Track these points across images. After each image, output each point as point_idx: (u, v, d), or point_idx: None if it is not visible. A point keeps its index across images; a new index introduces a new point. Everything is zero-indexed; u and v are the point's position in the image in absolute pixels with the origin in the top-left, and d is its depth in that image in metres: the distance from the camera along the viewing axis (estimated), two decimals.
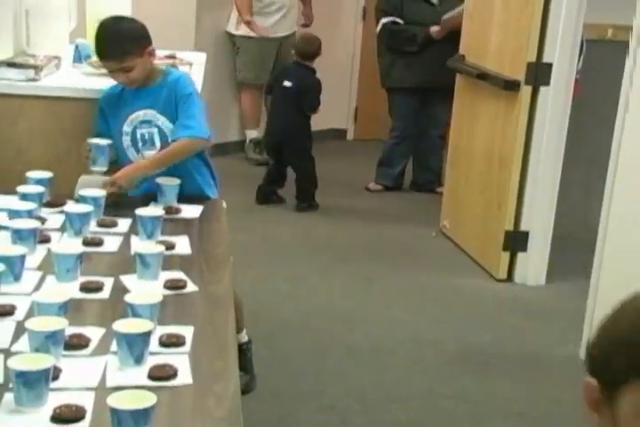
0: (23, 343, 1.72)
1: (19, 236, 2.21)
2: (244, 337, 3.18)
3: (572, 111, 4.19)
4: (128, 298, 1.85)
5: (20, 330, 1.77)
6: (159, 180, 2.70)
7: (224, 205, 2.84)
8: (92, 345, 1.76)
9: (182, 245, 2.37)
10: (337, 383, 3.28)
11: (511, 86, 4.19)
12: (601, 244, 3.54)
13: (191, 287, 2.10)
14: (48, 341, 1.65)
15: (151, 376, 1.64)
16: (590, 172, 4.46)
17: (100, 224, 2.47)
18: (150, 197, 2.69)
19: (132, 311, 1.82)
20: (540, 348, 3.68)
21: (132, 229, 2.44)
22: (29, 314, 1.84)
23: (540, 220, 4.30)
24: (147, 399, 1.45)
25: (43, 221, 2.41)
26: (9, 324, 1.83)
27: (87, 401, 1.54)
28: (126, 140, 2.80)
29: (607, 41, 4.86)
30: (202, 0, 6.12)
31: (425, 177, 5.82)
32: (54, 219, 2.48)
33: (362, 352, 3.55)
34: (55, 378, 1.59)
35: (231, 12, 6.31)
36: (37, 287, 2.04)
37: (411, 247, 4.84)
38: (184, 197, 2.70)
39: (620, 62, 3.48)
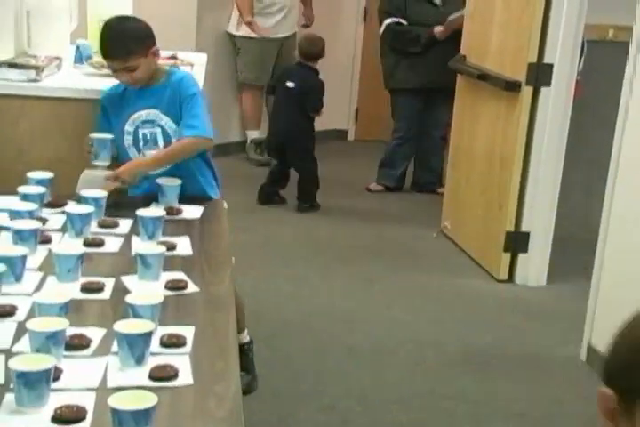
0: (24, 344, 1.72)
1: (20, 236, 2.21)
2: (246, 337, 3.18)
3: (573, 112, 4.19)
4: (129, 299, 1.85)
5: (20, 330, 1.77)
6: (160, 180, 2.70)
7: (225, 205, 2.85)
8: (93, 346, 1.76)
9: (183, 245, 2.37)
10: (338, 384, 3.28)
11: (512, 87, 4.19)
12: (602, 244, 3.54)
13: (192, 288, 2.10)
14: (49, 341, 1.65)
15: (152, 377, 1.64)
16: (591, 172, 4.46)
17: (101, 225, 2.47)
18: (151, 197, 2.70)
19: (133, 312, 1.82)
20: (541, 348, 3.68)
21: (133, 230, 2.44)
22: (30, 315, 1.84)
23: (540, 220, 4.30)
24: (147, 400, 1.45)
25: (44, 221, 2.41)
26: (10, 324, 1.83)
27: (88, 402, 1.54)
28: (128, 140, 2.80)
29: (608, 42, 4.85)
30: (203, 1, 6.13)
31: (426, 178, 5.83)
32: (55, 219, 2.48)
33: (362, 353, 3.55)
34: (56, 379, 1.59)
35: (232, 12, 6.32)
36: (38, 288, 2.04)
37: (411, 248, 4.84)
38: (186, 198, 2.70)
39: (621, 63, 3.48)
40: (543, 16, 4.06)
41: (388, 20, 5.54)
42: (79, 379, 1.63)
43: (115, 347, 1.72)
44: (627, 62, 3.42)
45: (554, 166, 4.23)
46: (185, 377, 1.66)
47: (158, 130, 2.77)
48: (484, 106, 4.59)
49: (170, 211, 2.58)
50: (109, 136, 2.76)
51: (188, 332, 1.83)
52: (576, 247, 4.38)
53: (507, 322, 3.92)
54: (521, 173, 4.25)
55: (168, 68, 2.91)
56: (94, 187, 2.65)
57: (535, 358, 3.61)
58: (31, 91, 2.96)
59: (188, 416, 1.56)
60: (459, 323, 3.88)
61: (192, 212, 2.65)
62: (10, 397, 1.54)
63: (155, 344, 1.75)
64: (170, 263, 2.19)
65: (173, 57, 3.48)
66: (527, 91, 4.15)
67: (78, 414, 1.50)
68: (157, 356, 1.72)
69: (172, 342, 1.78)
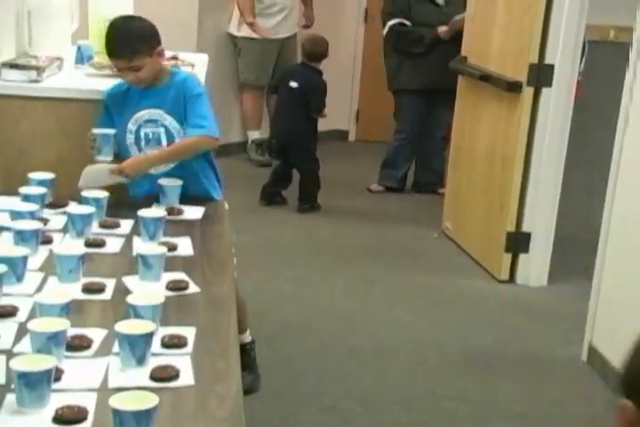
0: (25, 344, 1.72)
1: (21, 237, 2.22)
2: (248, 337, 3.19)
3: (574, 112, 4.19)
4: (130, 299, 1.85)
5: (22, 331, 1.77)
6: (161, 181, 2.70)
7: (226, 206, 2.85)
8: (94, 346, 1.76)
9: (184, 246, 2.37)
10: (338, 384, 3.28)
11: (513, 88, 4.19)
12: (603, 245, 3.54)
13: (193, 288, 2.10)
14: (50, 342, 1.65)
15: (153, 377, 1.64)
16: (592, 173, 4.46)
17: (103, 225, 2.47)
18: (152, 198, 2.70)
19: (134, 312, 1.82)
20: (542, 349, 3.68)
21: (135, 231, 2.44)
22: (31, 315, 1.84)
23: (541, 221, 4.30)
24: (149, 400, 1.46)
25: (45, 222, 2.41)
26: (11, 325, 1.83)
27: (89, 402, 1.54)
28: (130, 138, 2.80)
29: (609, 42, 4.86)
30: (204, 1, 6.13)
31: (427, 178, 5.83)
32: (56, 220, 2.49)
33: (363, 353, 3.55)
34: (57, 379, 1.59)
35: (232, 13, 6.32)
36: (39, 288, 2.04)
37: (412, 248, 4.84)
38: (189, 199, 2.70)
39: (622, 64, 3.48)
40: (544, 17, 4.06)
41: (392, 22, 5.54)
42: (80, 379, 1.63)
43: (116, 347, 1.72)
44: (627, 69, 3.42)
45: (555, 167, 4.23)
46: (186, 378, 1.66)
47: (162, 130, 2.77)
48: (486, 106, 4.59)
49: (171, 211, 2.58)
50: (112, 131, 2.77)
51: (189, 332, 1.83)
52: (577, 248, 4.38)
53: (508, 322, 3.92)
54: (522, 173, 4.25)
55: (171, 68, 2.91)
56: (97, 180, 2.66)
57: (536, 358, 3.60)
58: (32, 91, 2.96)
59: (190, 417, 1.57)
60: (460, 323, 3.88)
61: (193, 212, 2.65)
62: (11, 397, 1.54)
63: (156, 345, 1.75)
64: (171, 264, 2.19)
65: (174, 57, 3.48)
66: (528, 91, 4.15)
67: (79, 414, 1.50)
68: (158, 356, 1.72)
69: (173, 343, 1.78)
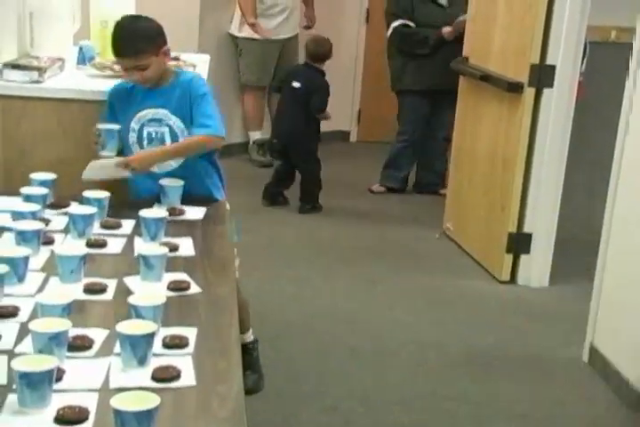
0: (27, 345, 1.72)
1: (22, 237, 2.22)
2: (250, 337, 3.20)
3: (576, 113, 4.19)
4: (131, 299, 1.85)
5: (23, 331, 1.78)
6: (163, 181, 2.70)
7: (227, 206, 2.85)
8: (96, 346, 1.76)
9: (186, 246, 2.37)
10: (340, 385, 3.28)
11: (514, 88, 4.19)
12: (604, 246, 3.54)
13: (195, 289, 2.10)
14: (52, 342, 1.65)
15: (154, 378, 1.64)
16: (594, 174, 4.46)
17: (104, 226, 2.47)
18: (154, 198, 2.70)
19: (136, 313, 1.82)
20: (543, 350, 3.68)
21: (136, 231, 2.44)
22: (33, 315, 1.85)
23: (543, 222, 4.30)
24: (150, 401, 1.46)
25: (46, 222, 2.41)
26: (13, 325, 1.83)
27: (91, 402, 1.54)
28: (132, 137, 2.80)
29: (610, 43, 4.86)
30: (205, 2, 6.13)
31: (429, 179, 5.83)
32: (58, 220, 2.49)
33: (365, 354, 3.56)
34: (59, 379, 1.59)
35: (234, 13, 6.32)
36: (41, 289, 2.04)
37: (414, 249, 4.84)
38: (192, 200, 2.71)
39: (624, 64, 3.48)
40: (546, 17, 4.06)
41: (396, 23, 5.54)
42: (82, 380, 1.63)
43: (117, 348, 1.72)
44: (627, 76, 3.42)
45: (556, 167, 4.23)
46: (187, 378, 1.66)
47: (166, 129, 2.77)
48: (487, 107, 4.59)
49: (172, 212, 2.58)
50: (117, 126, 2.77)
51: (190, 333, 1.84)
52: (578, 248, 4.38)
53: (509, 323, 3.92)
54: (523, 174, 4.25)
55: (176, 68, 2.92)
56: (101, 173, 2.66)
57: (537, 359, 3.60)
58: (34, 92, 2.97)
59: (191, 417, 1.57)
60: (461, 324, 3.88)
61: (194, 213, 2.65)
62: (12, 397, 1.54)
63: (157, 345, 1.75)
64: (172, 264, 2.19)
65: (176, 58, 3.48)
66: (529, 92, 4.15)
67: (81, 414, 1.50)
68: (160, 357, 1.72)
69: (175, 343, 1.78)
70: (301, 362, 3.45)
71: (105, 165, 2.71)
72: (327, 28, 6.29)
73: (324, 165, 5.41)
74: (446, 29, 5.39)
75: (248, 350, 3.18)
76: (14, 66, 3.01)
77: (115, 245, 2.35)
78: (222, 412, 1.57)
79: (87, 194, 2.52)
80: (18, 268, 2.04)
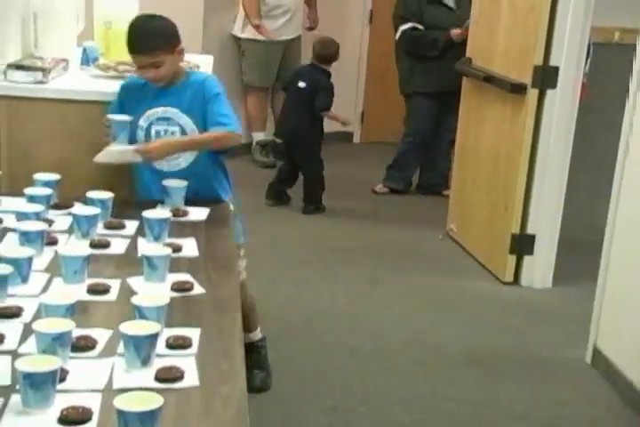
0: (30, 345, 1.72)
1: (26, 238, 2.22)
2: (258, 335, 3.21)
3: (579, 114, 4.19)
4: (135, 300, 1.85)
5: (27, 332, 1.78)
6: (166, 182, 2.70)
7: (231, 207, 2.85)
8: (99, 347, 1.76)
9: (189, 247, 2.37)
10: (340, 385, 3.29)
11: (518, 89, 4.19)
12: (607, 246, 3.54)
13: (198, 289, 2.10)
14: (55, 342, 1.66)
15: (158, 378, 1.64)
16: (597, 174, 4.46)
17: (107, 226, 2.48)
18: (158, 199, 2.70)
19: (139, 313, 1.82)
20: (546, 350, 3.68)
21: (139, 232, 2.44)
22: (37, 316, 1.85)
23: (546, 222, 4.29)
24: (153, 401, 1.46)
25: (50, 223, 2.41)
26: (16, 325, 1.83)
27: (94, 403, 1.54)
28: (140, 135, 2.80)
29: (614, 44, 4.85)
30: (208, 3, 6.13)
31: (432, 180, 5.83)
32: (62, 221, 2.49)
33: (365, 354, 3.56)
34: (62, 380, 1.59)
35: (237, 14, 6.33)
36: (45, 289, 2.04)
37: (417, 250, 4.84)
38: (198, 201, 2.71)
39: (627, 65, 3.48)
40: (549, 18, 4.06)
41: (405, 26, 5.53)
42: (85, 380, 1.63)
43: (121, 348, 1.72)
44: (631, 77, 3.42)
45: (559, 168, 4.23)
46: (191, 379, 1.66)
47: (176, 128, 2.77)
48: (490, 108, 4.59)
49: (176, 212, 2.58)
50: (128, 118, 2.76)
51: (193, 333, 1.84)
52: (582, 249, 4.38)
53: (511, 324, 3.92)
54: (527, 175, 4.25)
55: (187, 69, 2.93)
56: (116, 159, 2.66)
57: (539, 360, 3.60)
58: (37, 93, 2.97)
59: (194, 418, 1.57)
60: (463, 325, 3.88)
61: (198, 213, 2.65)
62: (16, 398, 1.54)
63: (160, 346, 1.75)
64: (176, 265, 2.19)
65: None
66: (533, 93, 4.15)
67: (84, 415, 1.50)
68: (163, 357, 1.72)
69: (178, 344, 1.78)
70: (302, 362, 3.45)
71: (122, 150, 2.70)
72: (330, 30, 6.28)
73: (328, 165, 5.41)
74: (455, 32, 5.37)
75: (256, 349, 3.20)
76: (18, 66, 3.01)
77: (118, 246, 2.35)
78: (226, 413, 1.57)
79: (91, 195, 2.53)
80: (22, 268, 2.04)
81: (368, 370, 3.43)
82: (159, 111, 2.78)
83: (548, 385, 3.38)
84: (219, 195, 2.86)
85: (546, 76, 4.12)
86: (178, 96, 2.78)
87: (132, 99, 2.83)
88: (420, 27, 5.51)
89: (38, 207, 2.42)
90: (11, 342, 1.76)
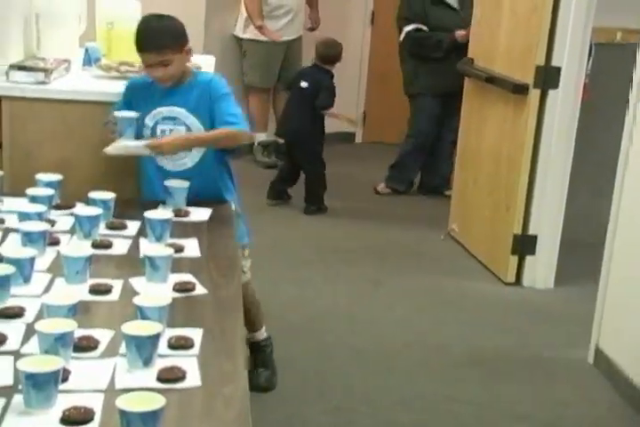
0: (33, 345, 1.72)
1: (28, 238, 2.22)
2: (263, 334, 3.23)
3: (581, 114, 4.18)
4: (137, 300, 1.85)
5: (29, 332, 1.78)
6: (168, 182, 2.70)
7: (233, 207, 2.85)
8: (101, 347, 1.76)
9: (191, 247, 2.37)
10: (342, 385, 3.29)
11: (520, 90, 4.19)
12: (609, 247, 3.54)
13: (200, 290, 2.10)
14: (57, 343, 1.66)
15: (160, 378, 1.64)
16: (599, 175, 4.46)
17: (110, 227, 2.48)
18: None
19: (141, 314, 1.82)
20: (548, 351, 3.68)
21: (141, 232, 2.44)
22: (39, 316, 1.85)
23: (548, 223, 4.29)
24: (156, 402, 1.46)
25: (52, 223, 2.42)
26: (18, 326, 1.84)
27: (96, 403, 1.54)
28: (146, 133, 2.80)
29: (616, 44, 4.85)
30: (210, 4, 6.13)
31: (434, 181, 5.82)
32: (64, 221, 2.49)
33: (367, 354, 3.56)
34: (64, 380, 1.59)
35: (238, 15, 6.33)
36: (47, 289, 2.04)
37: (419, 250, 4.84)
38: (202, 201, 2.71)
39: (629, 66, 3.48)
40: (551, 19, 4.06)
41: (408, 27, 5.53)
42: (87, 380, 1.63)
43: (123, 349, 1.72)
44: (633, 77, 3.42)
45: (561, 168, 4.23)
46: (193, 379, 1.66)
47: (182, 128, 2.77)
48: (492, 109, 4.59)
49: (178, 213, 2.58)
50: (135, 114, 2.76)
51: (195, 334, 1.84)
52: (584, 250, 4.37)
53: (513, 325, 3.92)
54: (528, 175, 4.25)
55: (194, 69, 2.93)
56: (125, 151, 2.67)
57: (542, 360, 3.60)
58: (40, 93, 2.97)
59: (196, 418, 1.57)
60: (465, 325, 3.88)
61: (200, 214, 2.65)
62: (18, 398, 1.54)
63: (162, 346, 1.75)
64: (178, 265, 2.20)
65: None
66: (535, 93, 4.15)
67: (86, 415, 1.50)
68: (165, 358, 1.73)
69: (180, 344, 1.78)
70: (304, 362, 3.45)
71: (133, 144, 2.71)
72: (332, 30, 6.28)
73: (329, 166, 5.41)
74: (459, 33, 5.36)
75: (261, 348, 3.21)
76: (20, 67, 3.02)
77: (120, 246, 2.35)
78: (228, 413, 1.57)
79: (93, 195, 2.53)
80: (24, 269, 2.05)
81: (370, 370, 3.43)
82: (165, 111, 2.78)
83: (550, 385, 3.38)
84: (223, 195, 2.86)
85: (548, 77, 4.12)
86: (184, 96, 2.78)
87: (139, 97, 2.83)
88: (425, 28, 5.50)
89: (40, 208, 2.42)
90: (13, 343, 1.76)
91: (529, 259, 4.35)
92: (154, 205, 2.57)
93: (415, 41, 5.54)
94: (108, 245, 2.34)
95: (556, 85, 4.13)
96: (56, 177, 2.66)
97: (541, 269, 4.35)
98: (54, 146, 2.97)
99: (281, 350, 3.45)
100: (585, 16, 4.05)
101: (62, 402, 1.53)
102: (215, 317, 2.00)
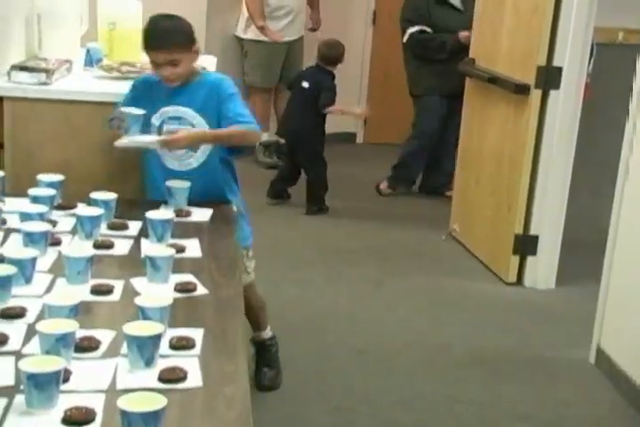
0: (34, 346, 1.73)
1: (30, 238, 2.22)
2: (268, 333, 3.23)
3: (583, 114, 4.18)
4: (138, 301, 1.85)
5: (30, 332, 1.78)
6: (169, 183, 2.70)
7: (234, 208, 2.85)
8: (103, 348, 1.77)
9: (192, 248, 2.37)
10: (343, 385, 3.29)
11: (521, 90, 4.19)
12: (611, 247, 3.54)
13: (201, 290, 2.10)
14: (59, 343, 1.66)
15: (161, 379, 1.65)
16: (600, 175, 4.46)
17: (111, 227, 2.48)
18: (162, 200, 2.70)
19: (143, 314, 1.83)
20: (549, 351, 3.68)
21: (143, 232, 2.44)
22: (40, 316, 1.85)
23: (549, 223, 4.29)
24: (157, 402, 1.46)
25: (54, 223, 2.42)
26: (20, 326, 1.84)
27: (97, 403, 1.55)
28: (152, 133, 2.80)
29: (617, 44, 4.85)
30: (211, 4, 6.14)
31: (436, 181, 5.82)
32: (65, 222, 2.49)
33: (368, 354, 3.56)
34: (66, 380, 1.59)
35: (239, 15, 6.33)
36: (48, 290, 2.05)
37: (420, 251, 4.84)
38: (204, 202, 2.71)
39: (631, 66, 3.48)
40: (552, 19, 4.06)
41: (412, 29, 5.52)
42: (89, 381, 1.63)
43: (124, 349, 1.72)
44: (634, 77, 3.42)
45: (563, 169, 4.23)
46: (194, 379, 1.66)
47: (188, 128, 2.77)
48: (494, 109, 4.59)
49: (179, 213, 2.58)
50: (141, 111, 2.75)
51: (197, 334, 1.84)
52: (585, 250, 4.37)
53: (515, 325, 3.92)
54: (530, 175, 4.25)
55: (201, 70, 2.93)
56: (136, 144, 2.68)
57: (543, 360, 3.60)
58: (41, 94, 2.98)
59: (197, 418, 1.57)
60: (466, 325, 3.88)
61: (201, 214, 2.66)
62: (20, 398, 1.55)
63: (164, 346, 1.75)
64: (179, 266, 2.20)
65: None
66: (536, 94, 4.15)
67: (88, 415, 1.50)
68: (166, 358, 1.73)
69: (182, 345, 1.78)
70: (305, 362, 3.46)
71: (147, 140, 2.71)
72: (333, 31, 6.29)
73: (331, 166, 5.41)
74: (463, 34, 5.34)
75: (266, 347, 3.21)
76: (22, 68, 3.02)
77: (121, 247, 2.36)
78: (229, 413, 1.58)
79: (94, 195, 2.53)
80: (25, 269, 2.05)
81: (370, 370, 3.43)
82: (171, 110, 2.78)
83: (552, 386, 3.38)
84: (226, 196, 2.86)
85: (549, 77, 4.12)
86: (191, 96, 2.78)
87: (146, 96, 2.83)
88: (428, 29, 5.49)
89: (42, 208, 2.43)
90: (14, 343, 1.76)
91: (530, 259, 4.35)
92: (155, 206, 2.58)
93: (419, 43, 5.53)
94: (110, 246, 2.34)
95: (557, 86, 4.13)
96: (57, 177, 2.66)
97: (543, 270, 4.35)
98: (56, 146, 2.97)
99: (281, 350, 3.45)
100: (586, 16, 4.05)
101: (64, 402, 1.53)
102: (216, 317, 2.00)
